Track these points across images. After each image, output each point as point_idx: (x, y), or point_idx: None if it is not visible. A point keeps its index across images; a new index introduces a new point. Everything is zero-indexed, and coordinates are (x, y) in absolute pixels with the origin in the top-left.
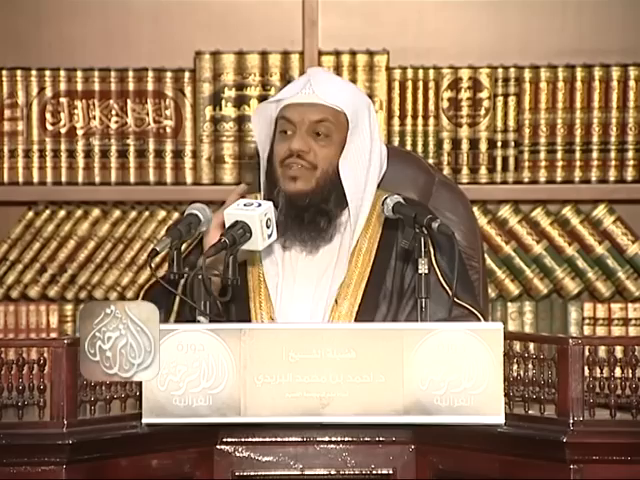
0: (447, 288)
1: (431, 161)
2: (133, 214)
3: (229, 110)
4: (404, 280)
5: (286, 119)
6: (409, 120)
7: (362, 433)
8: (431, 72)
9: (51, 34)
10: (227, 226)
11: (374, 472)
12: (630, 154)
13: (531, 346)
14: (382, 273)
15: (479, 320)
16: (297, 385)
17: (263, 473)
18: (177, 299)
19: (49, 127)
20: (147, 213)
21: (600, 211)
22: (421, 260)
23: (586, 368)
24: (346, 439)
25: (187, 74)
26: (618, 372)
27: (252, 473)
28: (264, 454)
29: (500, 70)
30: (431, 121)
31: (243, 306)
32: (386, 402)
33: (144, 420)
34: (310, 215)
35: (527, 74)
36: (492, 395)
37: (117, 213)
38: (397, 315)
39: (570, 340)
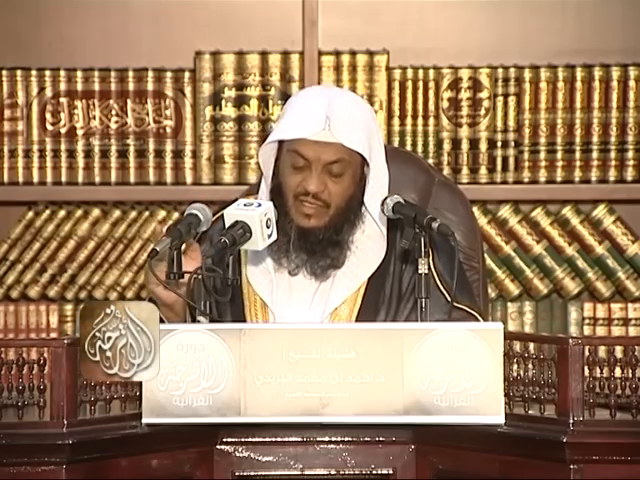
0: (444, 291)
1: (431, 161)
2: (133, 214)
3: (229, 110)
4: (402, 284)
5: (300, 154)
6: (409, 120)
7: (362, 433)
8: (431, 72)
9: (51, 34)
10: (227, 226)
11: (374, 472)
12: (630, 154)
13: (531, 346)
14: (381, 278)
15: (478, 321)
16: (297, 385)
17: (263, 473)
18: None
19: (49, 127)
20: (147, 213)
21: (600, 211)
22: (421, 260)
23: (586, 368)
24: (346, 439)
25: (187, 74)
26: (618, 372)
27: (252, 473)
28: (264, 454)
29: (500, 70)
30: (431, 121)
31: (239, 312)
32: (386, 402)
33: (144, 420)
34: (322, 248)
35: (527, 74)
36: (492, 395)
37: (117, 213)
38: (396, 318)
39: (570, 340)
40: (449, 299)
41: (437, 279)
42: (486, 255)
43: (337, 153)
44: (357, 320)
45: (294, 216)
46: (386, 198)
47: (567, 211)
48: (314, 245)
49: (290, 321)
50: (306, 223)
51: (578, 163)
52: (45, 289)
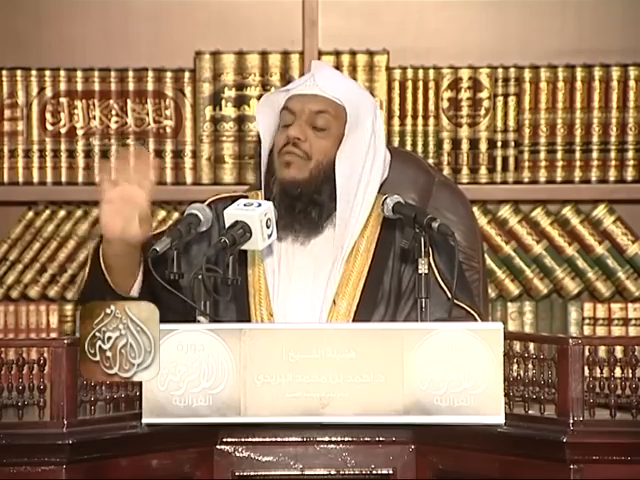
0: (445, 289)
1: (431, 161)
2: None
3: (229, 110)
4: (402, 281)
5: (288, 109)
6: (409, 120)
7: (362, 433)
8: (431, 72)
9: (51, 34)
10: (227, 226)
11: (374, 472)
12: (630, 154)
13: (531, 346)
14: (380, 273)
15: (477, 321)
16: (297, 385)
17: (263, 473)
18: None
19: (49, 127)
20: None
21: (600, 211)
22: (421, 260)
23: (586, 368)
24: (346, 439)
25: (187, 74)
26: (618, 372)
27: (252, 473)
28: (264, 454)
29: (500, 70)
30: (431, 121)
31: (243, 302)
32: (386, 402)
33: (144, 420)
34: (302, 205)
35: (527, 74)
36: (492, 395)
37: None
38: (395, 316)
39: (570, 340)
40: (450, 296)
41: (438, 276)
42: (486, 255)
43: (322, 104)
44: (356, 314)
45: (277, 171)
46: (386, 198)
47: (567, 211)
48: (295, 201)
49: (291, 311)
50: (287, 174)
51: (578, 163)
52: (45, 289)
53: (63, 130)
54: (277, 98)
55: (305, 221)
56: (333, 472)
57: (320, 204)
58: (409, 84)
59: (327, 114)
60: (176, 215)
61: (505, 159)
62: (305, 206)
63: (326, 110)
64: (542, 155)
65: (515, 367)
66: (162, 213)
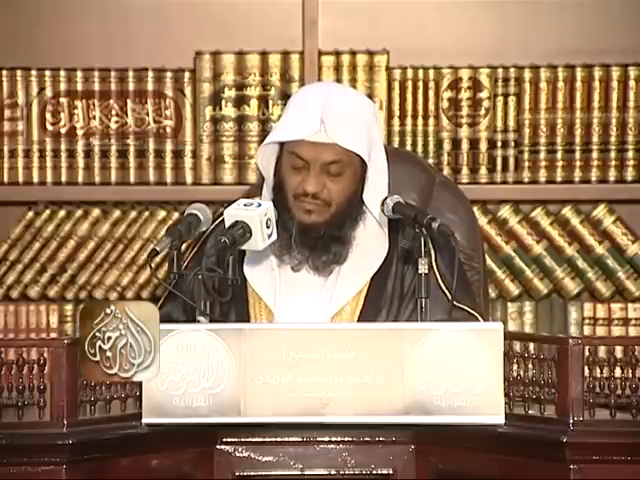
0: (447, 292)
1: (431, 161)
2: (133, 214)
3: (229, 110)
4: (404, 283)
5: (298, 156)
6: (409, 120)
7: (362, 433)
8: (431, 72)
9: (51, 34)
10: (227, 226)
11: (374, 472)
12: (630, 154)
13: (531, 346)
14: (384, 277)
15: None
16: (297, 385)
17: (263, 473)
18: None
19: (49, 127)
20: (147, 213)
21: (600, 211)
22: (421, 260)
23: (586, 368)
24: (346, 439)
25: (187, 74)
26: (618, 372)
27: (252, 473)
28: (264, 454)
29: (500, 70)
30: (431, 121)
31: (242, 311)
32: (386, 402)
33: (144, 420)
34: (323, 242)
35: (527, 74)
36: (492, 395)
37: (117, 213)
38: (397, 318)
39: (570, 340)
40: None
41: (439, 279)
42: (486, 255)
43: (335, 154)
44: (359, 319)
45: (295, 212)
46: (386, 198)
47: (567, 211)
48: (316, 240)
49: (292, 321)
50: (307, 219)
51: (578, 163)
52: (45, 289)
53: (63, 130)
54: (273, 139)
55: (326, 257)
56: (333, 472)
57: (341, 238)
58: (409, 84)
59: (340, 162)
60: (176, 215)
61: (505, 159)
62: (327, 243)
63: (339, 160)
64: (542, 155)
65: (515, 367)
66: (162, 213)
